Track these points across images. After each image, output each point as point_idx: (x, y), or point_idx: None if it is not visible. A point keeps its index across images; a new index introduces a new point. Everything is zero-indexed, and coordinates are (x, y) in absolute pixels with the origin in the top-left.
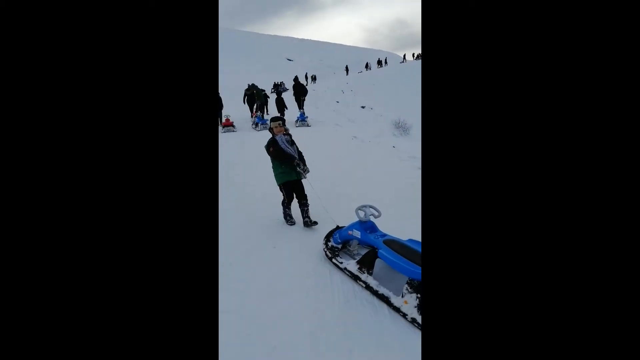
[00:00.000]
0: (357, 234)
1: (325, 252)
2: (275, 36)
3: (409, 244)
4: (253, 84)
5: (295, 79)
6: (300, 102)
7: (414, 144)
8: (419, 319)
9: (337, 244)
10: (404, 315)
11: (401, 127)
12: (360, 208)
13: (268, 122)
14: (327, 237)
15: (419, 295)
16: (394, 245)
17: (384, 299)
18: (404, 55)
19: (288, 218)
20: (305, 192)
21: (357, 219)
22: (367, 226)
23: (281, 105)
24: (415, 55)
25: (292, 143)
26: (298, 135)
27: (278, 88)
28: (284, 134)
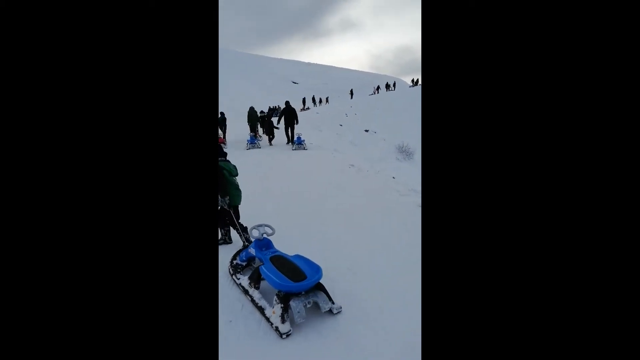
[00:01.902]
0: (252, 251)
1: (229, 269)
2: (282, 59)
3: (291, 259)
4: (251, 107)
5: (287, 104)
6: (288, 129)
7: (416, 170)
8: (280, 327)
9: (242, 262)
10: (271, 324)
11: (404, 152)
12: (254, 227)
13: (257, 142)
14: (234, 256)
15: (282, 305)
16: (277, 260)
17: (261, 310)
18: (412, 80)
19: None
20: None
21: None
22: (262, 244)
23: (270, 128)
24: (415, 81)
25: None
26: (291, 160)
27: (273, 112)
28: None
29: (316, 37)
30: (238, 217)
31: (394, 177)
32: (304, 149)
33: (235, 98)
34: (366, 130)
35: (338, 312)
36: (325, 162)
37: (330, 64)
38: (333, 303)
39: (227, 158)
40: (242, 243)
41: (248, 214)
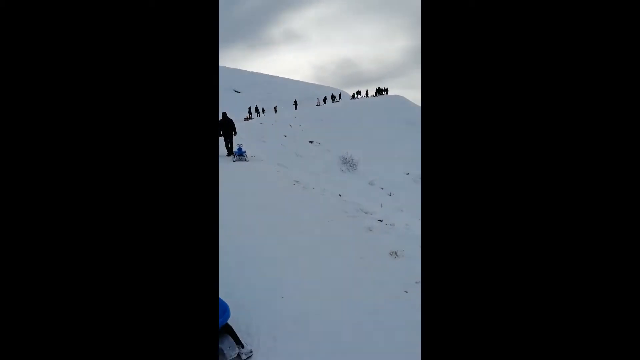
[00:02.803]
0: None
1: None
2: (224, 67)
3: None
4: None
5: (223, 115)
6: (227, 141)
7: (361, 182)
8: None
9: None
10: None
11: (348, 162)
12: None
13: None
14: None
15: None
16: None
17: None
18: (357, 91)
19: None
20: None
21: None
22: None
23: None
24: (357, 92)
25: None
26: (231, 176)
27: None
28: None
29: (260, 46)
30: None
31: (340, 195)
32: (246, 160)
33: None
34: (310, 142)
35: (248, 358)
36: (269, 178)
37: (275, 74)
38: (242, 347)
39: None
40: None
41: None
